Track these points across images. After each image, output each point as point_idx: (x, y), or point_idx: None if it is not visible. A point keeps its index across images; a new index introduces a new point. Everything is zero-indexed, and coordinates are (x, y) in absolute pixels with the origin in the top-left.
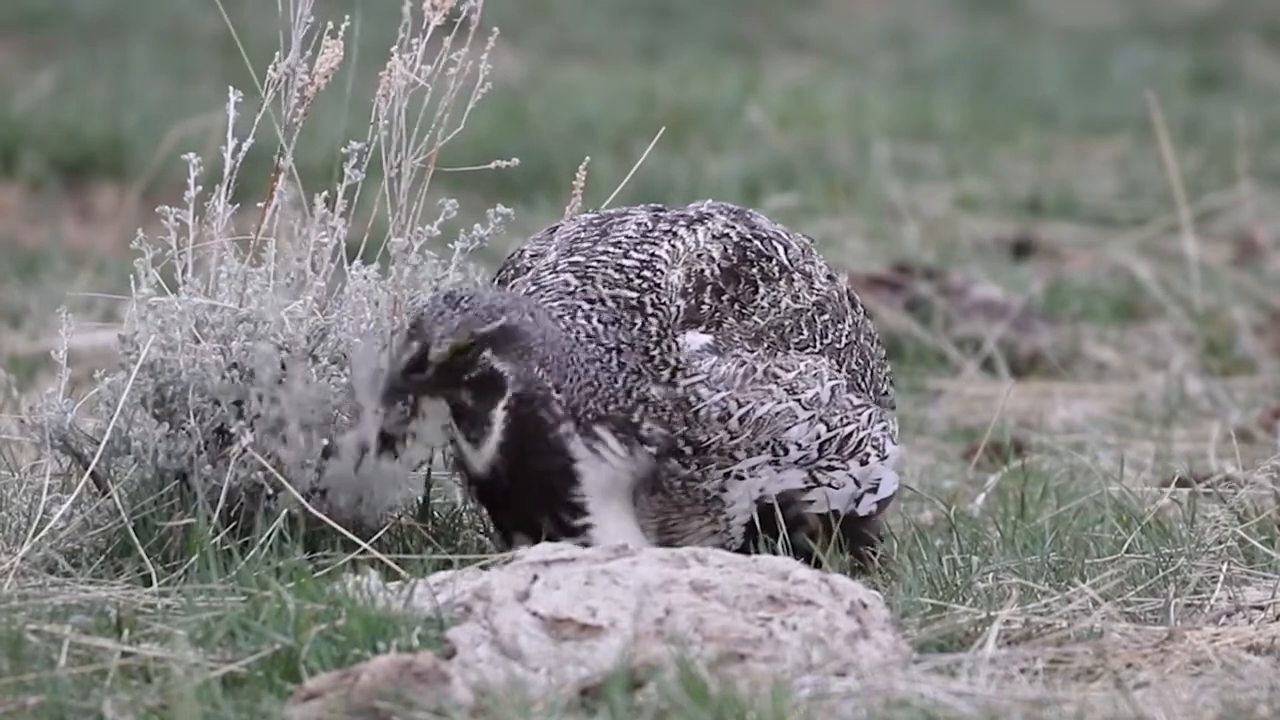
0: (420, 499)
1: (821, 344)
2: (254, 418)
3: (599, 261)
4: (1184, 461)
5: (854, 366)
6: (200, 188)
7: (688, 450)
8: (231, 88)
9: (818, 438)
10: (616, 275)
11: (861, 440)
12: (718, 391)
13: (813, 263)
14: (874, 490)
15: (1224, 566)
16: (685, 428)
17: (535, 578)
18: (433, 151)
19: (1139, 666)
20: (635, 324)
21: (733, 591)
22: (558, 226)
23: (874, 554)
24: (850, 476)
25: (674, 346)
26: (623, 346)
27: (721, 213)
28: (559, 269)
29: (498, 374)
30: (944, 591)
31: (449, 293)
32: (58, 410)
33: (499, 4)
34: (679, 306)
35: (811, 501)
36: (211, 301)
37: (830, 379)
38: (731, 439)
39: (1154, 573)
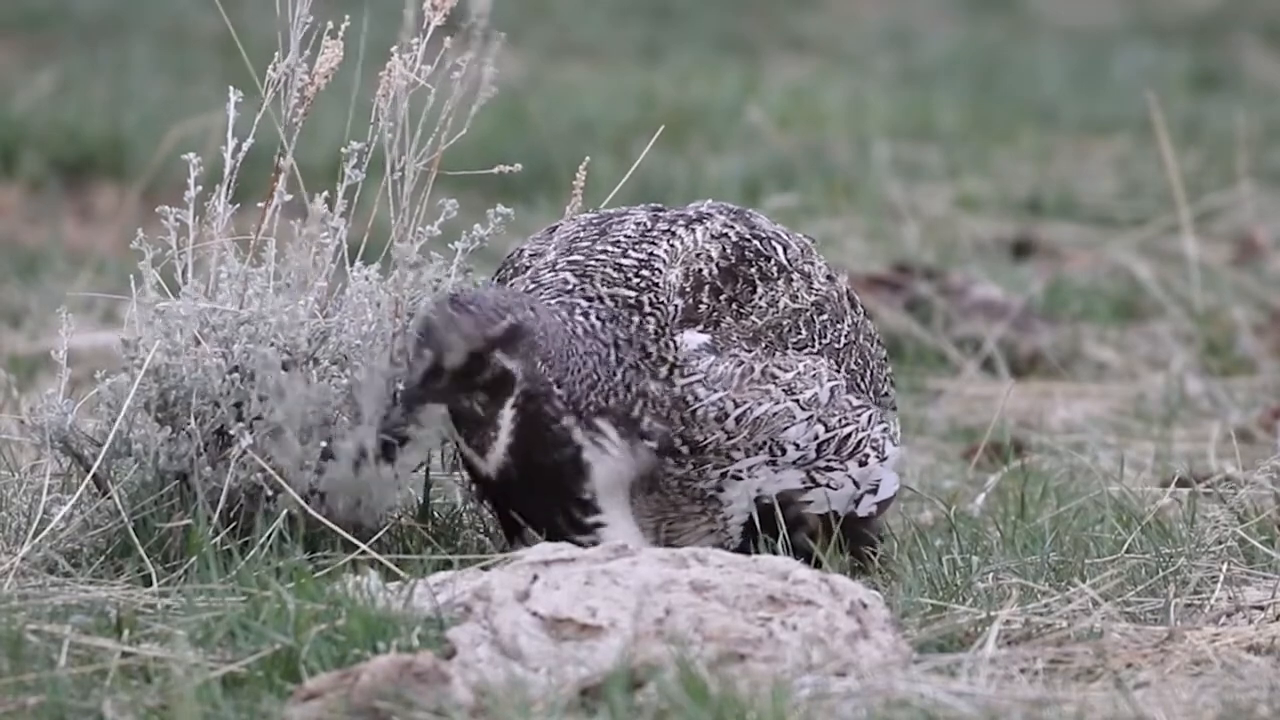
0: (420, 500)
1: (820, 344)
2: (254, 420)
3: (597, 260)
4: (1184, 461)
5: (853, 367)
6: (200, 188)
7: (684, 449)
8: (231, 88)
9: (816, 438)
10: (615, 274)
11: (860, 441)
12: (715, 391)
13: (812, 263)
14: (874, 491)
15: (1224, 566)
16: (682, 427)
17: (535, 578)
18: (436, 155)
19: (1139, 666)
20: (633, 322)
21: (733, 591)
22: (557, 226)
23: (874, 554)
24: (849, 477)
25: (671, 345)
26: (620, 343)
27: (721, 213)
28: (558, 268)
29: (508, 373)
30: (944, 591)
31: (453, 297)
32: (58, 411)
33: (499, 4)
34: (677, 306)
35: (810, 502)
36: (214, 305)
37: (829, 379)
38: (728, 439)
39: (1154, 573)
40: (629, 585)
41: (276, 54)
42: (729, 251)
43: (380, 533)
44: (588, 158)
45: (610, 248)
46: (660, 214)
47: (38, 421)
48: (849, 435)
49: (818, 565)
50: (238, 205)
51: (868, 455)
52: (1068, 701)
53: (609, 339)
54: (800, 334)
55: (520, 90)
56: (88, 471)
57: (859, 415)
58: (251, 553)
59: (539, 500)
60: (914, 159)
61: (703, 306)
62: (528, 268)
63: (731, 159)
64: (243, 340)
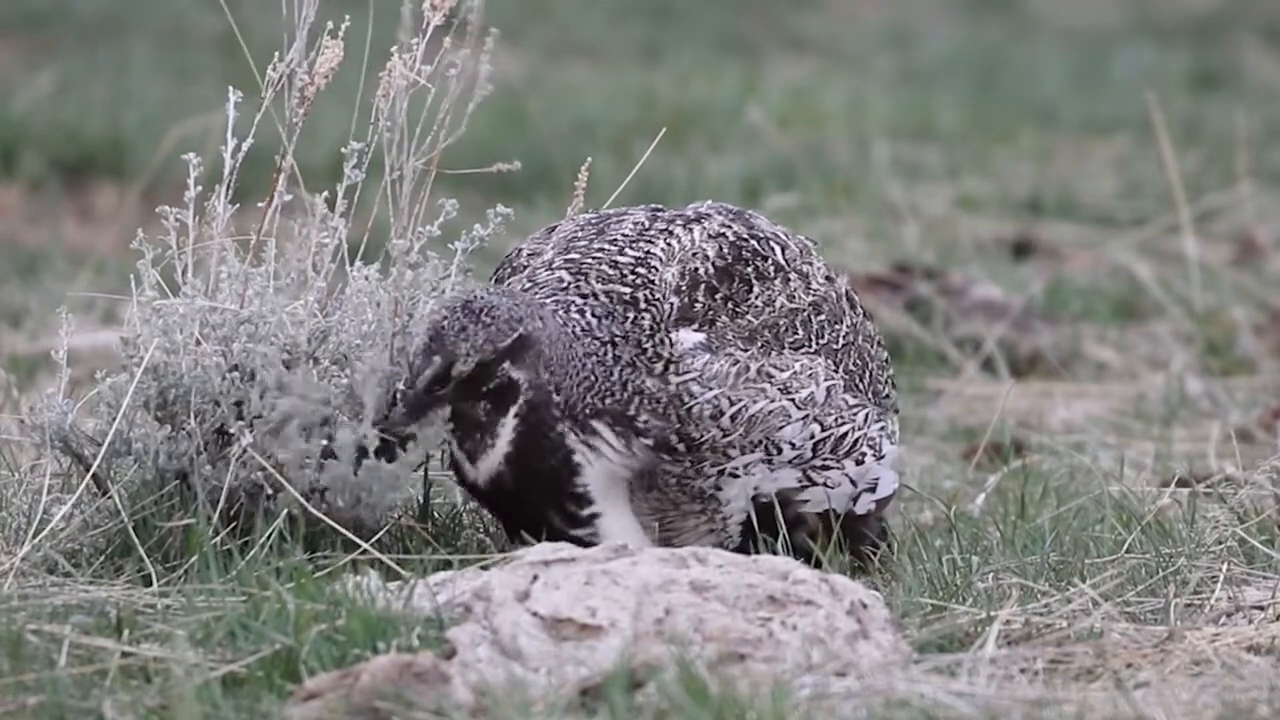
0: (420, 499)
1: (818, 344)
2: (254, 418)
3: (594, 258)
4: (1184, 461)
5: (851, 368)
6: (200, 188)
7: (681, 447)
8: (231, 88)
9: (812, 438)
10: (611, 271)
11: (857, 440)
12: (709, 389)
13: (811, 263)
14: (872, 490)
15: (1224, 566)
16: (678, 424)
17: (535, 578)
18: (435, 153)
19: (1139, 666)
20: (629, 318)
21: (733, 591)
22: (555, 226)
23: (875, 553)
24: (846, 476)
25: (667, 342)
26: (617, 339)
27: (720, 213)
28: (554, 266)
29: (514, 383)
30: (944, 591)
31: (466, 303)
32: (58, 411)
33: (499, 4)
34: (672, 304)
35: (807, 501)
36: (213, 304)
37: (826, 379)
38: (724, 436)
39: (1154, 573)
40: (629, 585)
41: (277, 54)
42: (726, 251)
43: (380, 533)
44: (589, 158)
45: (607, 246)
46: (659, 214)
47: (38, 421)
48: (845, 434)
49: (818, 565)
50: (238, 205)
51: (865, 454)
52: (1068, 701)
53: (605, 336)
54: (797, 334)
55: (520, 90)
56: (88, 471)
57: (855, 414)
58: (251, 553)
59: (531, 504)
60: (914, 159)
61: (698, 305)
62: (525, 267)
63: (731, 159)
64: (242, 339)
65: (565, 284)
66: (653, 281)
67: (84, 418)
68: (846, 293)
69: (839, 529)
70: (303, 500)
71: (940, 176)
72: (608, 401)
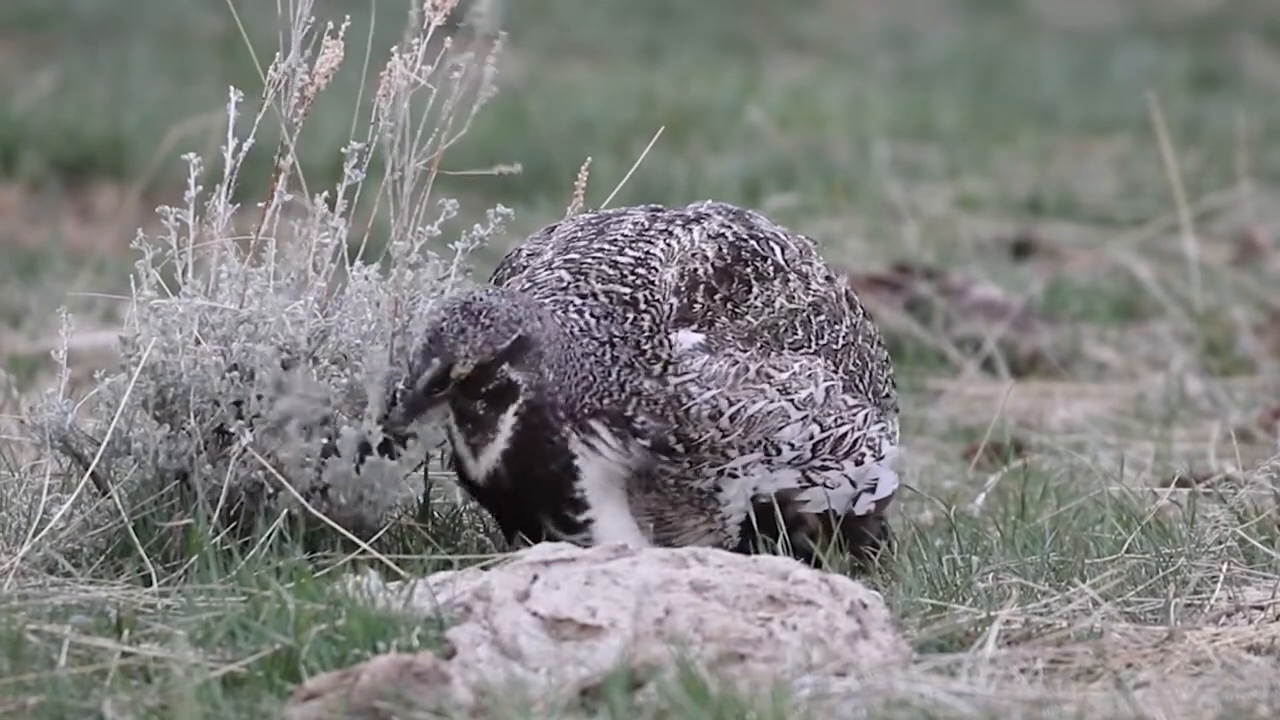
0: (420, 499)
1: (817, 344)
2: (254, 417)
3: (594, 258)
4: (1184, 461)
5: (851, 368)
6: (200, 188)
7: (679, 447)
8: (232, 87)
9: (811, 438)
10: (610, 271)
11: (856, 441)
12: (708, 389)
13: (810, 263)
14: (871, 490)
15: (1224, 566)
16: (676, 425)
17: (535, 578)
18: (436, 155)
19: (1139, 666)
20: (628, 318)
21: (733, 591)
22: (555, 227)
23: (875, 554)
24: (845, 476)
25: (666, 343)
26: (615, 340)
27: (719, 213)
28: (554, 266)
29: (513, 384)
30: (944, 591)
31: (465, 304)
32: (58, 410)
33: (499, 4)
34: (672, 305)
35: (807, 501)
36: (212, 304)
37: (825, 380)
38: (723, 437)
39: (1154, 573)
40: (629, 585)
41: (278, 54)
42: (725, 251)
43: (380, 532)
44: (590, 158)
45: (607, 246)
46: (659, 214)
47: (38, 421)
48: (845, 435)
49: (818, 565)
50: (238, 205)
51: (864, 455)
52: (1068, 701)
53: (604, 336)
54: (796, 334)
55: (520, 90)
56: (87, 471)
57: (855, 415)
58: (251, 553)
59: (528, 505)
60: (914, 159)
61: (697, 306)
62: (525, 267)
63: (731, 159)
64: (242, 339)
65: (565, 284)
66: (653, 282)
67: (84, 417)
68: (846, 292)
69: (839, 529)
70: (302, 500)
71: (940, 176)
72: (605, 402)
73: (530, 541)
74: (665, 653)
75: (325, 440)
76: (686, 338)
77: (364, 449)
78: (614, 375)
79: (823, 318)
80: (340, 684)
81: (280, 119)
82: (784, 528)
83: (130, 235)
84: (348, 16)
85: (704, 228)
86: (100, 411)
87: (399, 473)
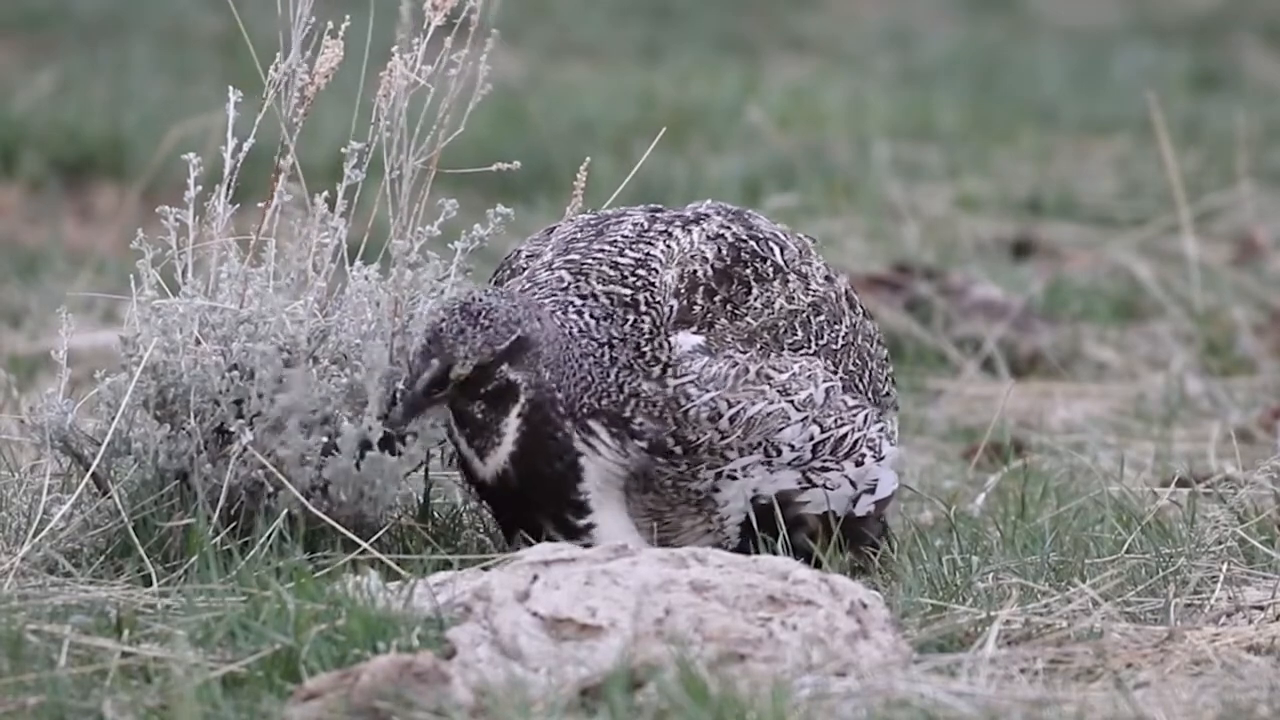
0: (420, 500)
1: (817, 345)
2: (254, 416)
3: (594, 259)
4: (1184, 461)
5: (851, 368)
6: (200, 188)
7: (677, 449)
8: (231, 87)
9: (811, 439)
10: (611, 272)
11: (857, 441)
12: (707, 391)
13: (810, 264)
14: (871, 490)
15: (1224, 566)
16: (675, 426)
17: (535, 578)
18: (435, 153)
19: (1139, 666)
20: (628, 320)
21: (733, 591)
22: (554, 228)
23: (875, 553)
24: (845, 477)
25: (665, 345)
26: (615, 341)
27: (719, 213)
28: (554, 267)
29: (513, 384)
30: (944, 591)
31: (464, 305)
32: (58, 410)
33: (499, 4)
34: (671, 307)
35: (807, 502)
36: (213, 304)
37: (825, 380)
38: (722, 438)
39: (1154, 573)
40: (629, 585)
41: (278, 54)
42: (724, 253)
43: (380, 532)
44: (589, 158)
45: (607, 247)
46: (658, 215)
47: (38, 421)
48: (845, 435)
49: (818, 565)
50: (238, 205)
51: (864, 455)
52: (1068, 701)
53: (603, 338)
54: (796, 335)
55: (520, 90)
56: (87, 471)
57: (855, 415)
58: (251, 552)
59: (533, 505)
60: (914, 159)
61: (697, 308)
62: (524, 268)
63: (731, 159)
64: (242, 339)
65: (565, 284)
66: (653, 284)
67: (84, 417)
68: (846, 292)
69: (839, 530)
70: (303, 499)
71: (940, 176)
72: (604, 402)
73: (531, 541)
74: (665, 653)
75: (325, 439)
76: (686, 340)
77: (364, 445)
78: (612, 376)
79: (822, 318)
80: (340, 684)
81: (280, 119)
82: (784, 528)
83: (130, 235)
84: (347, 16)
85: (703, 229)
86: (100, 411)
87: (399, 469)
